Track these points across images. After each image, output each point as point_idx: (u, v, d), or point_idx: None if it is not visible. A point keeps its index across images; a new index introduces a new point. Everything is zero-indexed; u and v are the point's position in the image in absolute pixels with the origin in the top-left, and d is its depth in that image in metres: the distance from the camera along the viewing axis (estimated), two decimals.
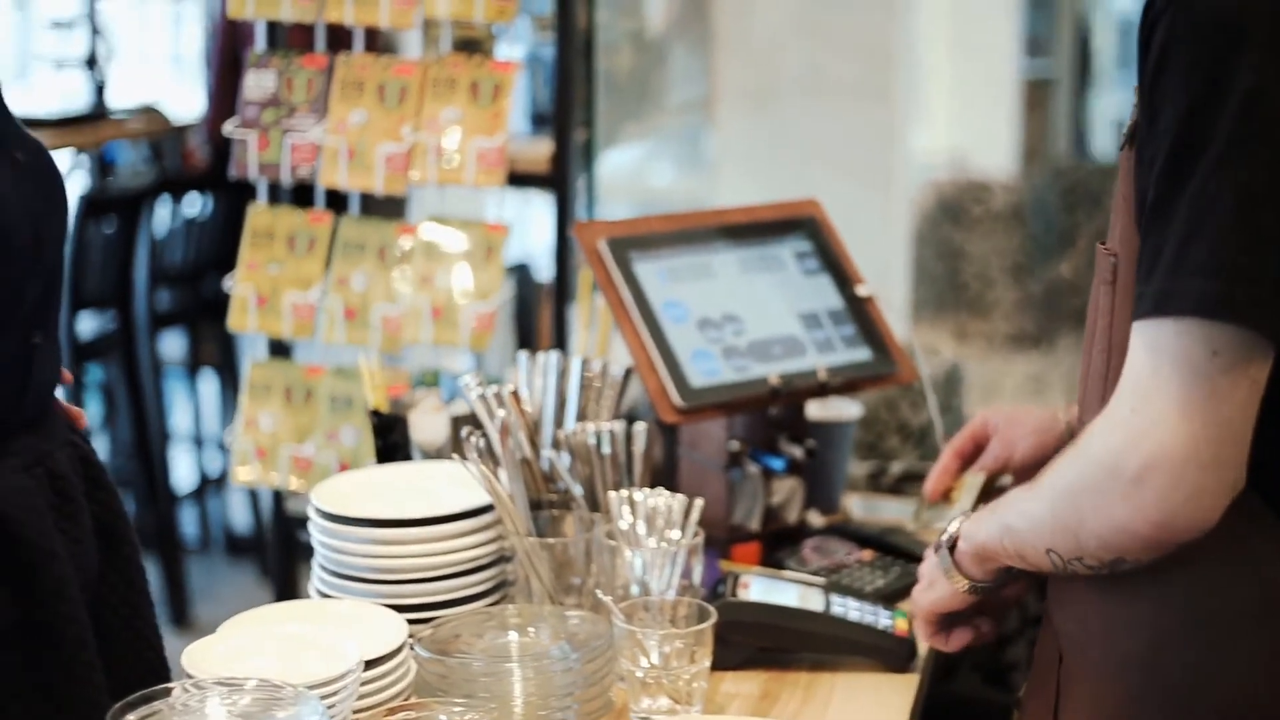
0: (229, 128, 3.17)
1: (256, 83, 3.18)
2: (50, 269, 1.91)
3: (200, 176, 6.27)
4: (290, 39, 3.36)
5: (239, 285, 3.17)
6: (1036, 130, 5.38)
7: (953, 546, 1.92)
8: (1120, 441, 1.54)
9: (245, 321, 3.17)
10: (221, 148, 6.20)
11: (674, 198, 3.98)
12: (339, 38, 3.21)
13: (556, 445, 2.25)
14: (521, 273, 4.53)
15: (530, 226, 4.57)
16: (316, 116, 3.14)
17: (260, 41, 3.22)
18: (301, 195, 3.26)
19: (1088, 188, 4.17)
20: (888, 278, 3.38)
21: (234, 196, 6.00)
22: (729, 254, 2.60)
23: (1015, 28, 4.81)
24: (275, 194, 3.24)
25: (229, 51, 6.14)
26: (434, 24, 3.12)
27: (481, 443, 2.14)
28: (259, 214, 3.20)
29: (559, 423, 2.29)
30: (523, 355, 2.36)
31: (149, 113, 6.44)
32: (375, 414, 2.52)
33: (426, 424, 2.49)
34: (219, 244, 5.93)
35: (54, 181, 1.94)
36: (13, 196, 1.83)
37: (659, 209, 3.85)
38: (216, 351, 6.01)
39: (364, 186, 3.09)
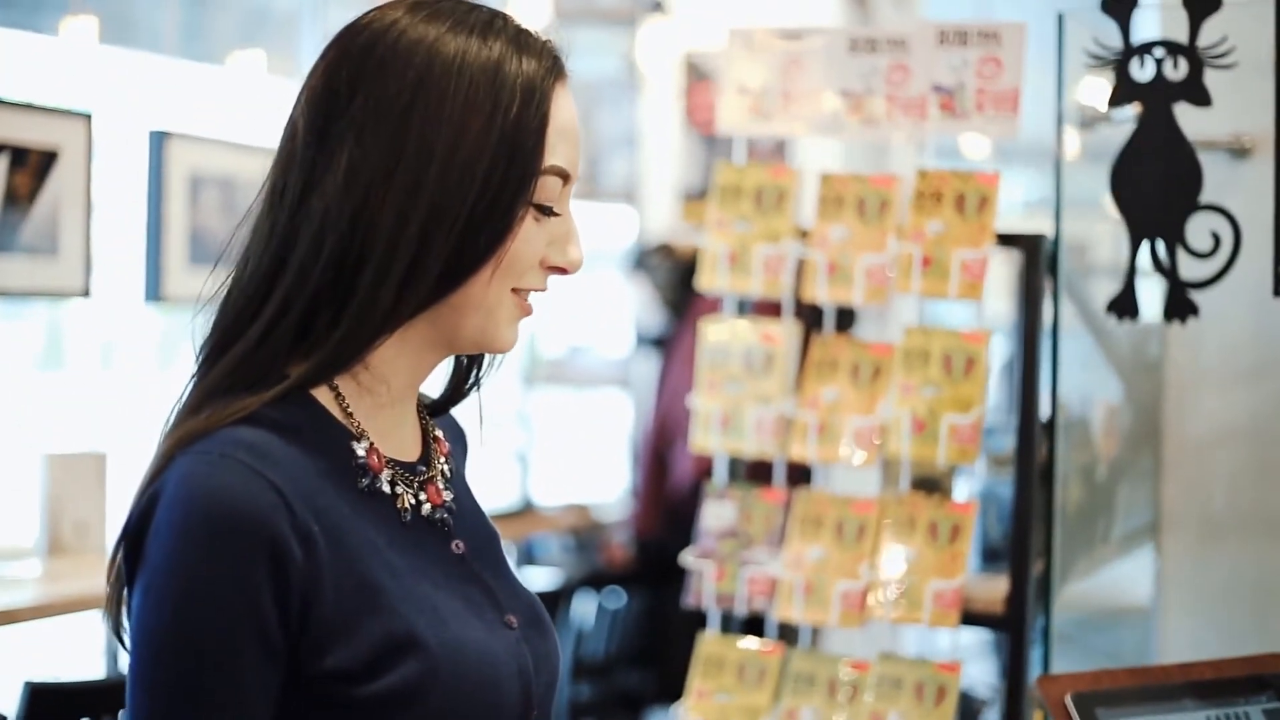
0: (688, 559, 3.23)
1: (715, 513, 3.25)
2: None
3: (621, 572, 6.39)
4: (748, 472, 3.43)
5: (689, 715, 3.19)
6: None
7: None
8: None
9: None
10: (646, 545, 6.34)
11: (1120, 633, 3.92)
12: (798, 473, 3.26)
13: None
14: (963, 700, 4.47)
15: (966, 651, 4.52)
16: (773, 549, 3.18)
17: (721, 473, 3.29)
18: (751, 624, 3.28)
19: None
20: None
21: (652, 592, 6.11)
22: (1197, 712, 2.53)
23: None
24: (726, 622, 3.27)
25: (656, 451, 6.32)
26: (893, 462, 3.16)
27: None
28: (710, 643, 3.23)
29: None
30: None
31: (576, 509, 6.63)
32: None
33: None
34: (635, 638, 6.02)
35: (547, 640, 1.93)
36: (505, 661, 1.83)
37: (1105, 645, 3.79)
38: None
39: (818, 621, 3.11)
